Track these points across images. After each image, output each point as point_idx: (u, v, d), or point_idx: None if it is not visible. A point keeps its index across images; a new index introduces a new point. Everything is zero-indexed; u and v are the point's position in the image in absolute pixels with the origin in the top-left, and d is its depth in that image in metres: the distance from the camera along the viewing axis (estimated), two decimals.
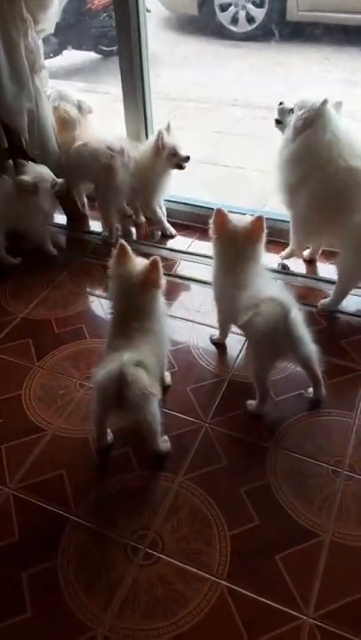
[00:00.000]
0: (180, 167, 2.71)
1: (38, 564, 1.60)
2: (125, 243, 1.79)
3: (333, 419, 1.97)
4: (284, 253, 2.66)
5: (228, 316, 2.13)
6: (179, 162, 2.69)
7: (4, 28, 2.42)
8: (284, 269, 2.64)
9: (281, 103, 2.43)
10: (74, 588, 1.54)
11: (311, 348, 1.91)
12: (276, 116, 2.47)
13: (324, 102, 2.24)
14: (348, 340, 2.26)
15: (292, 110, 2.35)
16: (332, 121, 2.26)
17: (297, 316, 1.84)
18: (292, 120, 2.32)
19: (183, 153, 2.68)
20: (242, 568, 1.57)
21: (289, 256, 2.66)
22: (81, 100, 2.80)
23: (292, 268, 2.67)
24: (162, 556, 1.60)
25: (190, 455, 1.86)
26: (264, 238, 1.98)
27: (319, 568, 1.57)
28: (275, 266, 2.62)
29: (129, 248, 1.79)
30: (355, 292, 2.45)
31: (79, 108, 2.77)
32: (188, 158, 2.69)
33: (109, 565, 1.59)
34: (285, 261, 2.66)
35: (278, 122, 2.46)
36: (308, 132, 2.27)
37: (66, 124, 2.74)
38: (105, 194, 2.77)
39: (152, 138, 2.69)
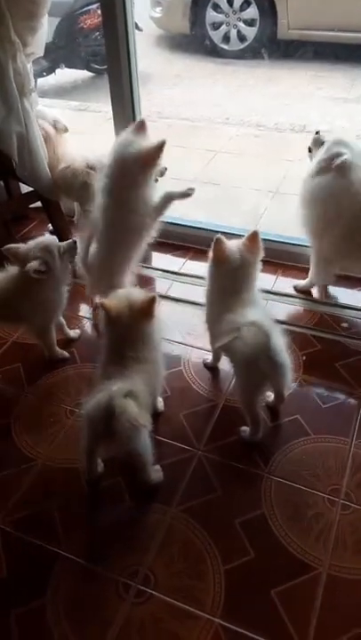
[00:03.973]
0: None
1: (27, 603, 1.54)
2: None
3: (329, 445, 1.93)
4: (302, 284, 2.60)
5: (216, 339, 2.10)
6: None
7: None
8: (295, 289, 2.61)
9: (317, 132, 2.39)
10: (63, 629, 1.49)
11: (289, 377, 1.89)
12: (310, 144, 2.43)
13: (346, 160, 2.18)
14: (343, 363, 2.23)
15: (323, 144, 2.31)
16: (356, 173, 2.22)
17: (279, 341, 1.80)
18: (318, 156, 2.29)
19: None
20: (237, 604, 1.52)
21: (308, 288, 2.60)
22: (57, 118, 2.82)
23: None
24: (154, 592, 1.55)
25: (183, 485, 1.81)
26: (261, 256, 1.97)
27: (316, 603, 1.52)
28: (268, 287, 2.60)
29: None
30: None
31: (54, 126, 2.79)
32: None
33: (100, 603, 1.54)
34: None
35: (310, 150, 2.42)
36: (331, 176, 2.23)
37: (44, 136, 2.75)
38: (86, 210, 2.77)
39: None
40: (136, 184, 2.17)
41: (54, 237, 2.19)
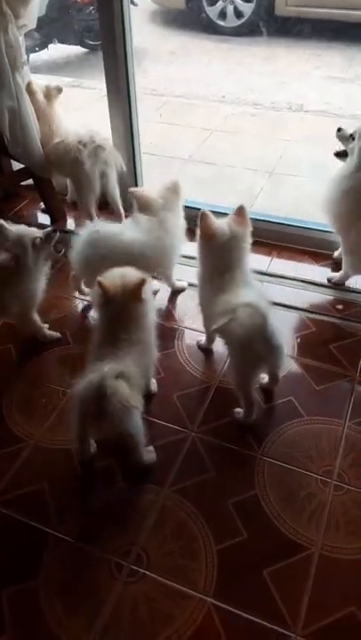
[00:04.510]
0: None
1: (19, 583, 1.54)
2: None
3: (322, 426, 1.93)
4: (337, 277, 2.51)
5: (211, 321, 2.08)
6: None
7: None
8: (329, 282, 2.53)
9: (340, 129, 2.30)
10: (55, 608, 1.49)
11: (284, 358, 1.92)
12: (338, 145, 2.33)
13: None
14: (337, 345, 2.22)
15: (352, 136, 2.24)
16: None
17: (274, 322, 1.79)
18: (355, 148, 2.21)
19: None
20: (229, 584, 1.53)
21: (343, 280, 2.51)
22: (47, 84, 2.74)
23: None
24: (147, 572, 1.55)
25: (176, 466, 1.81)
26: (249, 230, 1.95)
27: (308, 583, 1.53)
28: (263, 269, 2.58)
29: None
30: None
31: (47, 93, 2.71)
32: None
33: (93, 583, 1.54)
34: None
35: (339, 154, 2.32)
36: None
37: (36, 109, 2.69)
38: (77, 187, 2.77)
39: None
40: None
41: (31, 229, 2.09)
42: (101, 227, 2.23)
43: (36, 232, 2.07)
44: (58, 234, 2.12)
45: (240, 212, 1.95)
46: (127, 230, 2.24)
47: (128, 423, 1.61)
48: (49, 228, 2.11)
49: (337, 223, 2.37)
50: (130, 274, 1.73)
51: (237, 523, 1.66)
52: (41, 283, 2.16)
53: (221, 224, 1.93)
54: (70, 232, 2.63)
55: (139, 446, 1.72)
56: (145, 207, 2.26)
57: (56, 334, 2.27)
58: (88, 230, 2.21)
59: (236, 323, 1.76)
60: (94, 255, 2.14)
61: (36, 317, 2.22)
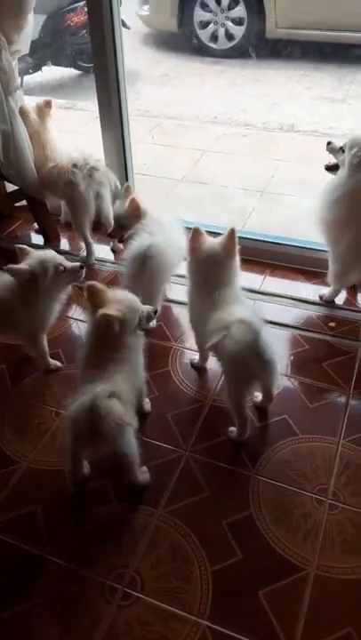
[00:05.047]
0: None
1: (11, 607, 1.52)
2: (95, 283, 1.72)
3: (316, 444, 1.93)
4: (327, 295, 2.53)
5: (203, 338, 2.09)
6: None
7: None
8: (321, 299, 2.54)
9: (330, 143, 2.35)
10: (49, 631, 1.47)
11: (277, 374, 1.92)
12: (329, 159, 2.37)
13: None
14: (330, 363, 2.23)
15: (342, 149, 2.28)
16: None
17: (267, 339, 1.80)
18: (346, 159, 2.25)
19: None
20: (224, 606, 1.51)
21: (333, 297, 2.53)
22: (38, 103, 2.76)
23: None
24: (141, 595, 1.54)
25: (170, 486, 1.80)
26: (237, 253, 1.97)
27: (304, 604, 1.52)
28: (256, 287, 2.60)
29: (100, 286, 1.71)
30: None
31: (39, 111, 2.74)
32: None
33: (86, 607, 1.52)
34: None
35: (330, 168, 2.36)
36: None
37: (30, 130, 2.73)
38: (72, 209, 2.80)
39: None
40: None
41: (59, 256, 2.09)
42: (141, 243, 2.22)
43: (63, 260, 2.08)
44: (84, 271, 2.12)
45: (231, 234, 1.96)
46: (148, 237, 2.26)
47: (122, 442, 1.61)
48: (77, 264, 2.11)
49: (328, 232, 2.39)
50: (128, 300, 1.73)
51: (232, 543, 1.65)
52: (55, 308, 2.17)
53: (211, 241, 1.96)
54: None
55: (133, 466, 1.71)
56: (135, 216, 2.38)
57: (57, 364, 2.25)
58: (140, 248, 2.19)
59: (230, 339, 1.77)
60: (152, 270, 2.17)
61: (44, 342, 2.21)
